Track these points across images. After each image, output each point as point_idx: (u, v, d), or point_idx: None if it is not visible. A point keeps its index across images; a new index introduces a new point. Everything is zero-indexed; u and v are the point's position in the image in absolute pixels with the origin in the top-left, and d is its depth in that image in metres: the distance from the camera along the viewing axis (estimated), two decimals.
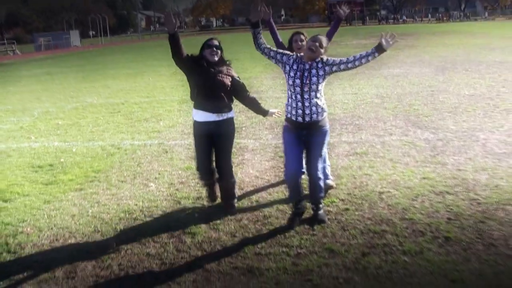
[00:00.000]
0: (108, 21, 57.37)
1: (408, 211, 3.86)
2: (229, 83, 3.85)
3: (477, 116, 7.02)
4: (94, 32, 65.57)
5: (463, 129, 6.38)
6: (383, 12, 74.34)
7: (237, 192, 4.28)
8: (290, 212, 3.81)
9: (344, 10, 4.36)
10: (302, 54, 3.63)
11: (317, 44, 3.48)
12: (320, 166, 3.72)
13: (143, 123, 7.88)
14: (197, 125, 3.92)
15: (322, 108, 3.57)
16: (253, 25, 3.61)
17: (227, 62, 3.93)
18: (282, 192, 4.40)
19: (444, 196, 4.12)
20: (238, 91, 3.94)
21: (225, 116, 3.87)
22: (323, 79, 3.53)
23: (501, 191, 4.17)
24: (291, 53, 3.67)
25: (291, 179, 3.68)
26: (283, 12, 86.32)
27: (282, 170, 4.56)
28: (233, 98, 3.96)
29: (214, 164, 4.05)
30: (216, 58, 3.81)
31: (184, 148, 6.13)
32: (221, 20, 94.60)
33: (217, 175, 4.07)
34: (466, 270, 2.96)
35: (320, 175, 3.73)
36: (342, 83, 10.70)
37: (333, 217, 3.82)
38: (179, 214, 4.09)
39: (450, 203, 3.97)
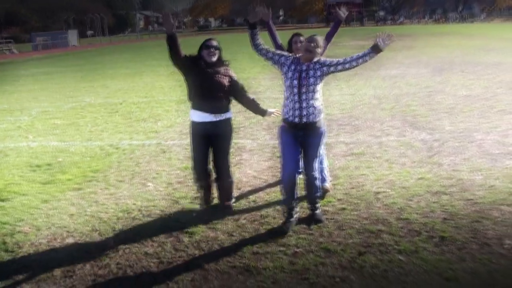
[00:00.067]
0: (106, 21, 57.30)
1: (404, 211, 3.90)
2: (227, 84, 3.87)
3: (473, 117, 7.07)
4: (92, 32, 65.46)
5: (459, 129, 6.42)
6: (381, 13, 74.45)
7: (235, 192, 4.32)
8: (284, 217, 3.76)
9: (344, 12, 4.39)
10: (299, 55, 3.66)
11: (314, 44, 3.50)
12: (316, 166, 3.75)
13: (141, 123, 7.89)
14: (195, 125, 3.93)
15: (319, 109, 3.60)
16: (251, 26, 3.62)
17: (225, 63, 3.94)
18: (279, 192, 4.42)
19: (440, 196, 4.16)
20: (237, 91, 3.96)
21: (222, 116, 3.89)
22: (321, 80, 3.55)
23: (496, 191, 4.21)
24: (288, 54, 3.69)
25: (288, 179, 3.69)
26: (281, 13, 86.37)
27: (279, 170, 4.58)
28: (231, 98, 3.98)
29: (211, 165, 4.06)
30: (214, 59, 3.82)
31: (182, 148, 6.15)
32: (220, 21, 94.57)
33: (213, 177, 4.09)
34: (460, 269, 2.99)
35: (317, 175, 3.76)
36: (340, 84, 10.74)
37: (330, 217, 3.85)
38: (177, 213, 4.11)
39: (446, 203, 4.00)
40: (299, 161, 3.78)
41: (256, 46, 3.65)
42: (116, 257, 3.37)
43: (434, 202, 4.03)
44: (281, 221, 3.76)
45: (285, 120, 3.67)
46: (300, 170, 3.90)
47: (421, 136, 6.19)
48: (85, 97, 11.17)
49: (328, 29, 4.53)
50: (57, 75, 17.13)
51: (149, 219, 4.01)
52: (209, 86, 3.79)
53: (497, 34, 28.07)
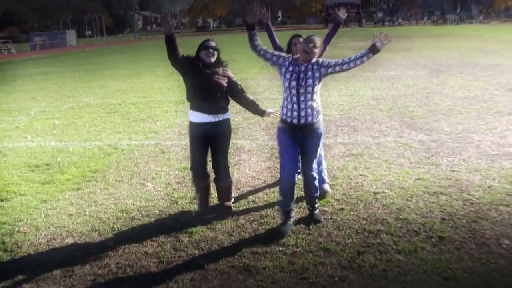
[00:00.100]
0: (104, 21, 57.23)
1: (402, 211, 3.91)
2: (225, 84, 3.87)
3: (471, 118, 7.10)
4: (90, 32, 65.39)
5: (457, 130, 6.45)
6: (379, 15, 74.68)
7: (234, 192, 4.32)
8: (281, 219, 3.74)
9: (343, 13, 4.40)
10: (298, 56, 3.67)
11: (311, 45, 3.51)
12: (315, 166, 3.76)
13: (140, 123, 7.89)
14: (193, 126, 3.93)
15: (317, 111, 3.60)
16: (249, 27, 3.62)
17: (224, 63, 3.95)
18: (278, 192, 4.44)
19: (438, 197, 4.18)
20: (235, 92, 3.96)
21: (221, 117, 3.89)
22: (319, 81, 3.55)
23: (493, 191, 4.24)
24: (287, 55, 3.70)
25: (288, 180, 3.69)
26: (280, 14, 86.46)
27: (278, 170, 4.60)
28: (230, 99, 3.99)
29: (209, 167, 4.07)
30: (213, 60, 3.83)
31: (181, 148, 6.16)
32: (218, 21, 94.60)
33: (212, 177, 4.09)
34: (459, 269, 3.01)
35: (315, 175, 3.77)
36: (338, 85, 10.76)
37: (329, 217, 3.86)
38: (176, 213, 4.12)
39: (444, 203, 4.02)
40: (298, 162, 3.79)
41: (254, 47, 3.65)
42: (115, 257, 3.37)
43: (432, 203, 4.05)
44: (280, 221, 3.77)
45: (283, 121, 3.67)
46: (299, 171, 3.91)
47: (419, 137, 6.22)
48: (84, 97, 11.16)
49: (326, 30, 4.54)
50: (55, 75, 17.10)
51: (148, 219, 4.02)
52: (207, 87, 3.79)
53: (495, 35, 28.18)
